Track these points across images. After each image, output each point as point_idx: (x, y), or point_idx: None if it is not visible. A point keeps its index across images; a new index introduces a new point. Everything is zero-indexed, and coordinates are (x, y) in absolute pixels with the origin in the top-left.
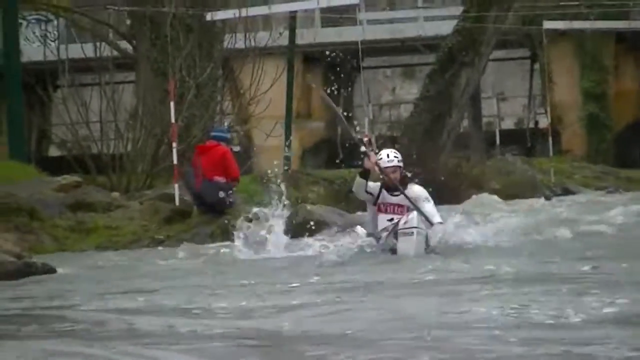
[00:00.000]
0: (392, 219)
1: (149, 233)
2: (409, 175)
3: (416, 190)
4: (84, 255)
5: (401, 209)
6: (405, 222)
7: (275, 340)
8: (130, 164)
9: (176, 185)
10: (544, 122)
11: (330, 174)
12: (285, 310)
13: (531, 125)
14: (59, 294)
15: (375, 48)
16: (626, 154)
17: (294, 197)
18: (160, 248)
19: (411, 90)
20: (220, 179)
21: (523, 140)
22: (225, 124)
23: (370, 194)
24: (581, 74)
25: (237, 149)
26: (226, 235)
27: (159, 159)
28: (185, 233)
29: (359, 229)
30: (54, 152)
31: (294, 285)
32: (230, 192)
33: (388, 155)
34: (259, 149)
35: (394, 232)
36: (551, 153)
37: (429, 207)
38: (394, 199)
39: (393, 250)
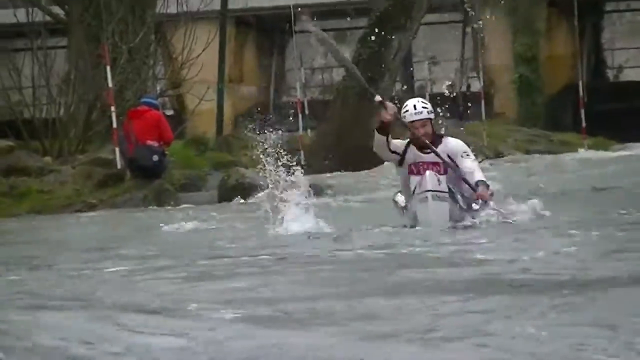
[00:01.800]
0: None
1: (82, 197)
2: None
3: (452, 144)
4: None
5: (437, 167)
6: (419, 185)
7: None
8: (62, 129)
9: (116, 149)
10: (476, 85)
11: (263, 137)
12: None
13: (463, 88)
14: None
15: (309, 12)
16: (558, 117)
17: (227, 161)
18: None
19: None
20: (154, 143)
21: (455, 104)
22: (158, 88)
23: (395, 152)
24: (513, 38)
25: (169, 112)
26: (159, 199)
27: (91, 124)
28: (118, 197)
29: (399, 197)
30: None
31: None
32: (164, 155)
33: (415, 107)
34: (191, 114)
35: (407, 203)
36: (483, 116)
37: (469, 163)
38: (427, 157)
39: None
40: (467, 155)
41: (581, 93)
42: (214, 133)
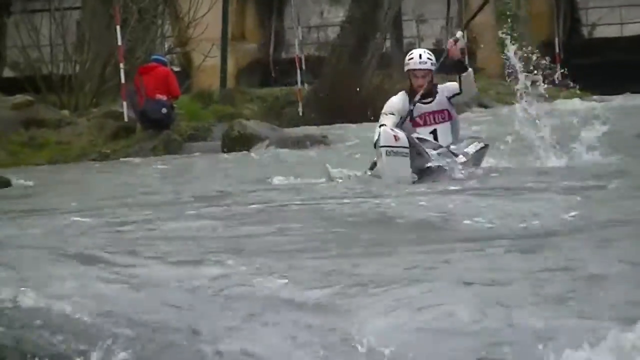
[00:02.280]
0: (434, 131)
1: (97, 148)
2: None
3: (446, 85)
4: (38, 169)
5: (442, 114)
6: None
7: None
8: (78, 84)
9: (124, 103)
10: (462, 42)
11: (264, 92)
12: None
13: (449, 45)
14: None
15: None
16: (538, 71)
17: (230, 113)
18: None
19: (338, 14)
20: (163, 97)
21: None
22: (166, 46)
23: (401, 118)
24: None
25: (177, 69)
26: (168, 148)
27: (105, 80)
28: (130, 148)
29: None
30: (7, 73)
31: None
32: (172, 108)
33: (420, 56)
34: (196, 70)
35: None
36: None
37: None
38: (428, 107)
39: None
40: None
41: (557, 49)
42: (218, 87)
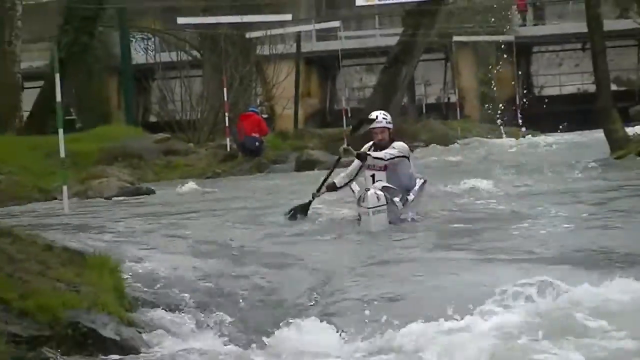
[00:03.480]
0: (373, 175)
1: (211, 168)
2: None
3: (397, 145)
4: (172, 183)
5: (380, 165)
6: (363, 200)
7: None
8: (199, 126)
9: (228, 139)
10: (453, 98)
11: (322, 131)
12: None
13: (445, 100)
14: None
15: (349, 54)
16: (504, 118)
17: (300, 145)
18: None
19: (371, 80)
20: (256, 135)
21: (440, 110)
22: (258, 101)
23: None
24: (477, 68)
25: (265, 116)
26: (259, 168)
27: (217, 123)
28: (234, 168)
29: (355, 185)
30: (152, 119)
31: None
32: (262, 142)
33: (377, 117)
34: (278, 117)
35: (359, 203)
36: (458, 117)
37: (406, 163)
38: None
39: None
40: (407, 157)
41: (518, 102)
42: (293, 128)
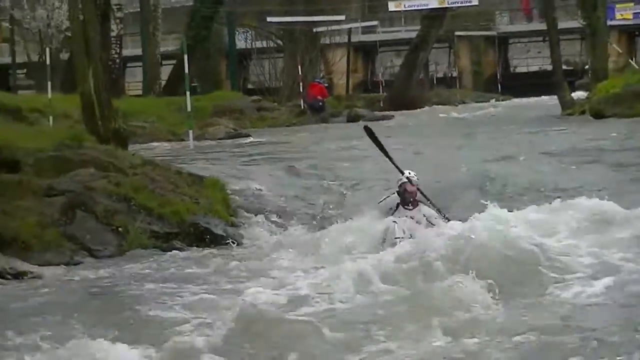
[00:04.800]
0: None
1: (290, 120)
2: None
3: (425, 210)
4: (262, 131)
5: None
6: (394, 231)
7: None
8: (281, 92)
9: (301, 100)
10: (455, 74)
11: (365, 95)
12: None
13: (449, 75)
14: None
15: (385, 43)
16: (489, 88)
17: (350, 105)
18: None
19: (399, 61)
20: (320, 98)
21: (446, 82)
22: (321, 74)
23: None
24: (471, 54)
25: (326, 85)
26: (323, 120)
27: (293, 90)
28: (305, 121)
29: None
30: (250, 87)
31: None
32: (324, 103)
33: (410, 176)
34: (335, 86)
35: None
36: (458, 87)
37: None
38: (408, 213)
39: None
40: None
41: (498, 77)
42: (345, 93)
